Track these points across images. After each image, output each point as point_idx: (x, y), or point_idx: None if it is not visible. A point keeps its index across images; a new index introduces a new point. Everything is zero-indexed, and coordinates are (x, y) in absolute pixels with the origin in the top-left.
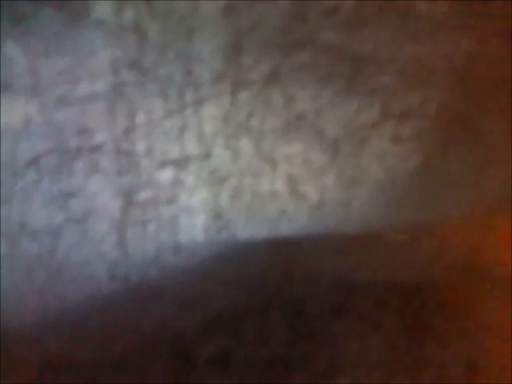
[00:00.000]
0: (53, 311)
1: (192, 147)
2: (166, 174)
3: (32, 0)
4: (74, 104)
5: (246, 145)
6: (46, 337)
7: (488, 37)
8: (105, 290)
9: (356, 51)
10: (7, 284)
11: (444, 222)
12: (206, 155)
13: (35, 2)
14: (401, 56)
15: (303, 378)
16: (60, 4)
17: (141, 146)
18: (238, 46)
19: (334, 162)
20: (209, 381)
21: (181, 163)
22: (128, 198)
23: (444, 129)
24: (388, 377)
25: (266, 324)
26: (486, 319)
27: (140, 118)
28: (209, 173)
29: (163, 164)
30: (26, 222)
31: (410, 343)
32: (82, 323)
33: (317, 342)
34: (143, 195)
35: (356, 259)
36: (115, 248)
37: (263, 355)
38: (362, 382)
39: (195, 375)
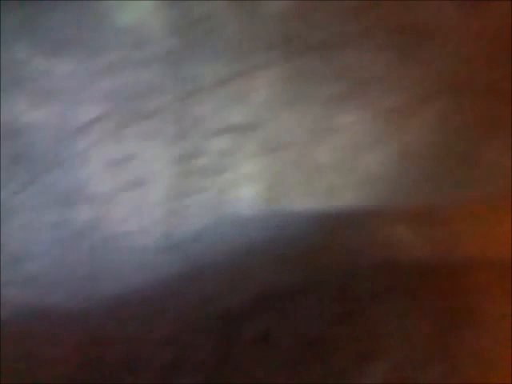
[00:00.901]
0: (100, 282)
1: (246, 115)
2: (221, 143)
3: None
4: (132, 67)
5: (298, 114)
6: (92, 308)
7: None
8: (155, 261)
9: (415, 22)
10: (57, 250)
11: (486, 202)
12: (260, 124)
13: None
14: (460, 29)
15: (343, 360)
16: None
17: (197, 112)
18: (298, 12)
19: (388, 134)
20: (250, 359)
21: (235, 131)
22: (182, 165)
23: (493, 107)
24: (427, 359)
25: (310, 302)
26: None
27: (196, 84)
28: (262, 142)
29: (218, 132)
30: (80, 186)
31: (450, 326)
32: (129, 296)
33: (359, 322)
34: (196, 163)
35: (403, 237)
36: (167, 217)
37: (305, 334)
38: (401, 365)
39: (237, 353)
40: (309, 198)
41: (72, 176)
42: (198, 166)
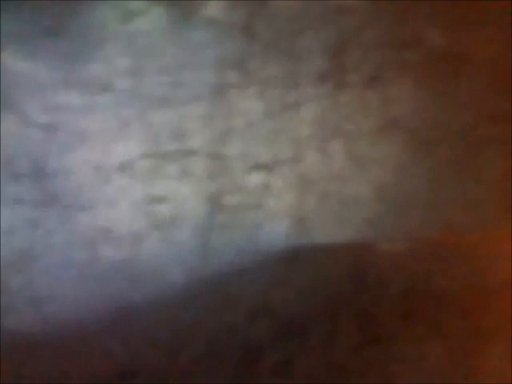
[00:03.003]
0: (125, 319)
1: (284, 150)
2: (256, 178)
3: None
4: (173, 106)
5: (337, 148)
6: (116, 345)
7: None
8: (179, 296)
9: (458, 52)
10: (84, 291)
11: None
12: (297, 159)
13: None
14: (498, 59)
15: None
16: (172, 2)
17: (234, 150)
18: (343, 46)
19: (423, 165)
20: None
21: (270, 167)
22: (215, 202)
23: None
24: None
25: (332, 331)
26: None
27: (237, 121)
28: (297, 177)
29: (253, 168)
30: (112, 227)
31: (469, 348)
32: (153, 330)
33: (379, 349)
34: (230, 200)
35: (429, 265)
36: (195, 254)
37: (326, 362)
38: None
39: (260, 381)
40: (342, 229)
41: (105, 216)
42: (231, 203)
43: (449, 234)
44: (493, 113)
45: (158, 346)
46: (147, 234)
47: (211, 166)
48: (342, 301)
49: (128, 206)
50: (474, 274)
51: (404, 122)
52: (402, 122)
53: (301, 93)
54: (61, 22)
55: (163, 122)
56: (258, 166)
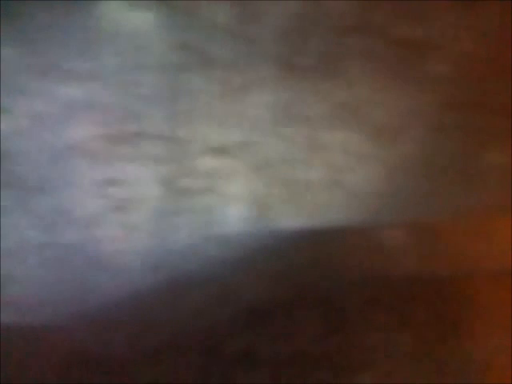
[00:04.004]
0: (86, 301)
1: (237, 134)
2: (210, 162)
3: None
4: (126, 88)
5: (291, 132)
6: (79, 327)
7: None
8: (139, 280)
9: (408, 38)
10: (43, 273)
11: (478, 215)
12: (251, 142)
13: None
14: (454, 47)
15: (329, 374)
16: None
17: (184, 133)
18: (299, 30)
19: (375, 150)
20: (235, 376)
21: (224, 151)
22: (168, 185)
23: (488, 120)
24: (413, 372)
25: (294, 318)
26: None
27: (189, 104)
28: (252, 161)
29: (207, 151)
30: (67, 209)
31: (437, 336)
32: (114, 314)
33: (345, 336)
34: (183, 183)
35: (388, 253)
36: (152, 237)
37: (289, 350)
38: (384, 380)
39: (222, 370)
40: (298, 213)
41: (59, 199)
42: (183, 186)
43: (407, 221)
44: (453, 100)
45: (120, 330)
46: (104, 216)
47: (164, 148)
48: (304, 288)
49: (83, 188)
50: (439, 263)
51: (360, 107)
52: (357, 107)
53: (253, 76)
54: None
55: (115, 104)
56: (212, 150)
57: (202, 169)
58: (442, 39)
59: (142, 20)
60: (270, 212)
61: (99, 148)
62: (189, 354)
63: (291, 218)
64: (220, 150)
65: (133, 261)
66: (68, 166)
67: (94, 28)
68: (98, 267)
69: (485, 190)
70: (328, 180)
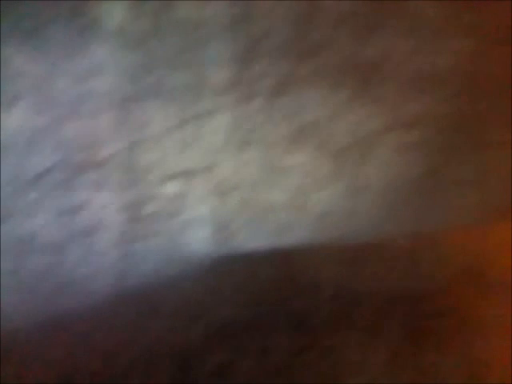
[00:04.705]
0: (58, 324)
1: (196, 160)
2: (171, 188)
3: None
4: (82, 118)
5: (250, 156)
6: (53, 349)
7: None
8: (109, 302)
9: (364, 61)
10: (13, 299)
11: (446, 230)
12: (211, 168)
13: (48, 13)
14: (407, 66)
15: None
16: (72, 16)
17: (145, 161)
18: (247, 56)
19: (339, 171)
20: None
21: (185, 176)
22: (132, 212)
23: (448, 138)
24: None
25: (267, 335)
26: (487, 325)
27: (145, 133)
28: (213, 185)
29: (168, 178)
30: (32, 237)
31: (411, 351)
32: (87, 336)
33: (319, 353)
34: (147, 209)
35: (357, 270)
36: (119, 262)
37: (264, 366)
38: None
39: None
40: (264, 235)
41: (24, 226)
42: (149, 212)
43: (372, 239)
44: (408, 117)
45: (94, 352)
46: (69, 243)
47: (125, 176)
48: (274, 306)
49: (47, 216)
50: (410, 277)
51: (317, 129)
52: (314, 129)
53: (210, 102)
54: None
55: (74, 133)
56: (174, 175)
57: (165, 194)
58: (398, 58)
59: (98, 49)
60: (235, 234)
61: (62, 176)
62: (163, 372)
63: (256, 239)
64: (182, 175)
65: (101, 285)
66: (30, 194)
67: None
68: (67, 293)
69: (447, 208)
70: (291, 201)
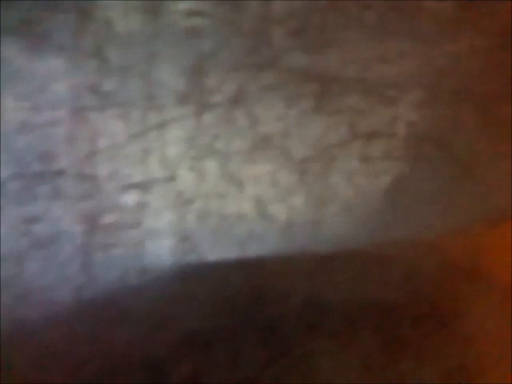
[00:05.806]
0: (19, 337)
1: (156, 170)
2: (130, 198)
3: None
4: (35, 130)
5: (211, 167)
6: (14, 361)
7: (459, 50)
8: (71, 314)
9: (322, 71)
10: None
11: (416, 240)
12: (171, 178)
13: None
14: (367, 75)
15: None
16: (21, 32)
17: (103, 170)
18: (201, 68)
19: (302, 182)
20: None
21: (145, 186)
22: (91, 222)
23: (414, 147)
24: None
25: (237, 345)
26: (470, 331)
27: (102, 143)
28: (174, 196)
29: (127, 188)
30: None
31: (386, 360)
32: (49, 349)
33: (289, 363)
34: (107, 219)
35: (327, 279)
36: (80, 272)
37: (235, 377)
38: None
39: None
40: (227, 246)
41: None
42: (108, 222)
43: (342, 248)
44: (365, 129)
45: (57, 365)
46: (28, 253)
47: (81, 186)
48: (241, 316)
49: (4, 226)
50: (382, 285)
51: (279, 139)
52: (273, 140)
53: (164, 114)
54: None
55: (26, 145)
56: (132, 186)
57: (125, 204)
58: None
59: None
60: (198, 244)
61: (19, 187)
62: (129, 382)
63: (221, 249)
64: (143, 186)
65: (62, 296)
66: None
67: None
68: (27, 304)
69: (417, 216)
70: (255, 211)
